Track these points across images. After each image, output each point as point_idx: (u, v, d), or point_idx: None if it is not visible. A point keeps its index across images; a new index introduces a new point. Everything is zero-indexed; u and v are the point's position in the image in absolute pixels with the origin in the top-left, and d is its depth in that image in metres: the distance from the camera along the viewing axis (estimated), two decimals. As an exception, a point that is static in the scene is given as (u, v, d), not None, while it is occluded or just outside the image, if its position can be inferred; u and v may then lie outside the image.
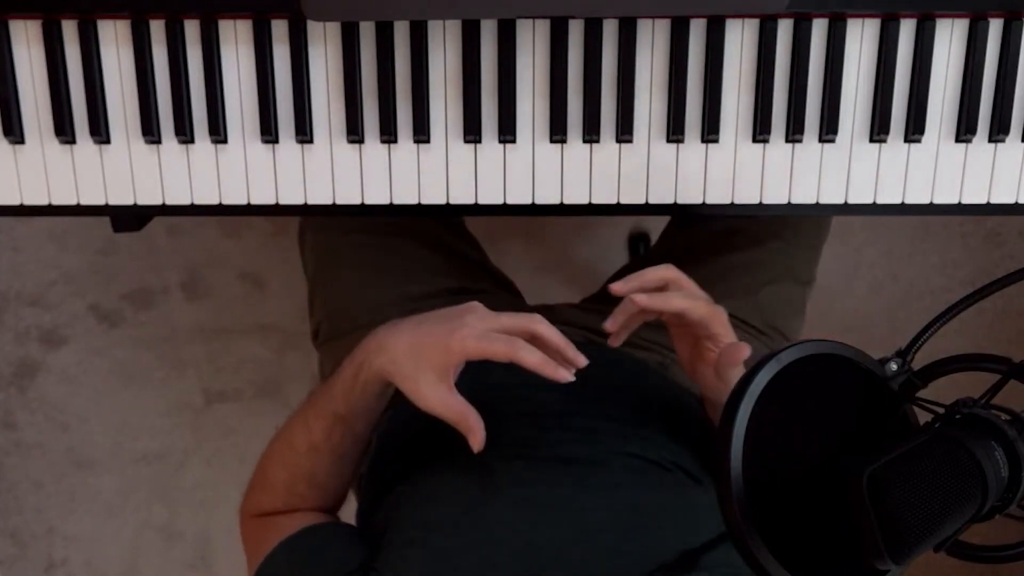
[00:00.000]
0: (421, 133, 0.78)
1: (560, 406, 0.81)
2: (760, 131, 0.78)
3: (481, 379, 0.81)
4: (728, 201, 0.80)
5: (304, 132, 0.78)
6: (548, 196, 0.80)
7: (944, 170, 0.80)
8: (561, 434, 0.78)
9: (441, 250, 1.01)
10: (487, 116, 0.78)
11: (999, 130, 0.78)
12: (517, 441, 0.77)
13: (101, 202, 0.80)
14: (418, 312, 0.96)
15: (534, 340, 0.70)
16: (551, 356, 0.70)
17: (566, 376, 0.69)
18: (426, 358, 0.69)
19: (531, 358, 0.68)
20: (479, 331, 0.68)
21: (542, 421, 0.80)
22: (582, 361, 0.72)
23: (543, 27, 0.76)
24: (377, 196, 0.80)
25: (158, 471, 1.76)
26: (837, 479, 0.47)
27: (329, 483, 0.81)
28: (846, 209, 0.81)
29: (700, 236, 1.03)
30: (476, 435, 0.69)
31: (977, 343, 1.68)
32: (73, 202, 0.80)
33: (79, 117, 0.78)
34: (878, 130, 0.78)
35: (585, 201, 0.80)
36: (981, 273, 1.69)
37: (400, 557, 0.70)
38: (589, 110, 0.77)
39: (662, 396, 0.89)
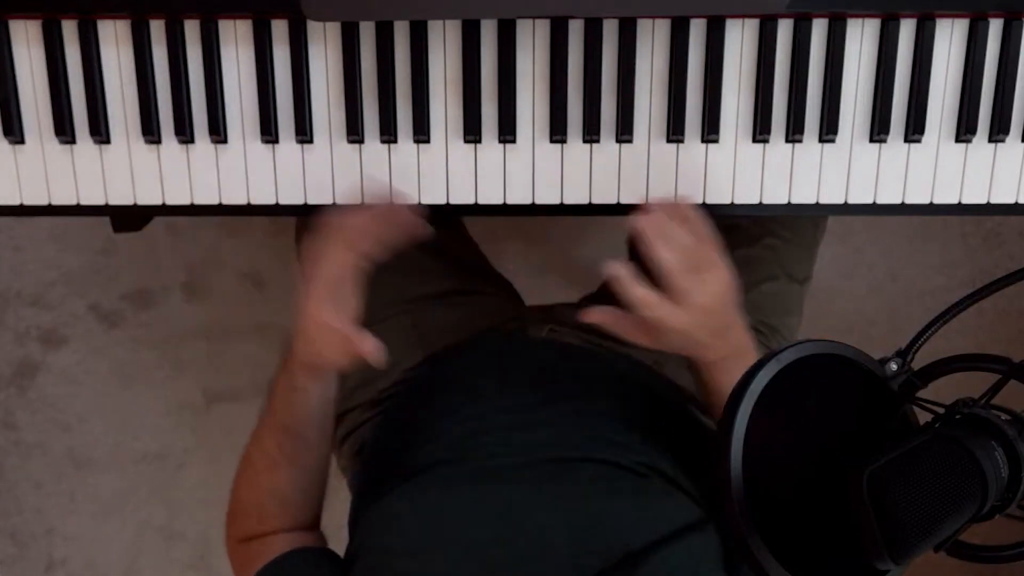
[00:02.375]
0: (421, 133, 0.78)
1: (528, 413, 0.80)
2: (760, 131, 0.78)
3: (453, 396, 0.81)
4: (728, 201, 0.80)
5: (304, 132, 0.78)
6: (548, 196, 0.80)
7: (944, 170, 0.80)
8: (528, 444, 0.77)
9: (439, 252, 1.01)
10: (487, 116, 0.78)
11: (999, 130, 0.78)
12: (482, 455, 0.76)
13: (101, 202, 0.80)
14: (418, 313, 0.96)
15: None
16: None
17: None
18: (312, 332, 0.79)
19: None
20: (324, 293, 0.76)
21: (508, 432, 0.78)
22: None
23: (543, 27, 0.76)
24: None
25: (158, 471, 1.76)
26: (837, 479, 0.47)
27: (296, 498, 0.82)
28: (846, 209, 0.81)
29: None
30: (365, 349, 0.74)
31: (977, 343, 1.68)
32: (73, 202, 0.80)
33: (79, 117, 0.78)
34: (878, 130, 0.78)
35: (585, 201, 0.80)
36: (981, 273, 1.69)
37: None
38: (589, 110, 0.77)
39: (650, 397, 0.89)
